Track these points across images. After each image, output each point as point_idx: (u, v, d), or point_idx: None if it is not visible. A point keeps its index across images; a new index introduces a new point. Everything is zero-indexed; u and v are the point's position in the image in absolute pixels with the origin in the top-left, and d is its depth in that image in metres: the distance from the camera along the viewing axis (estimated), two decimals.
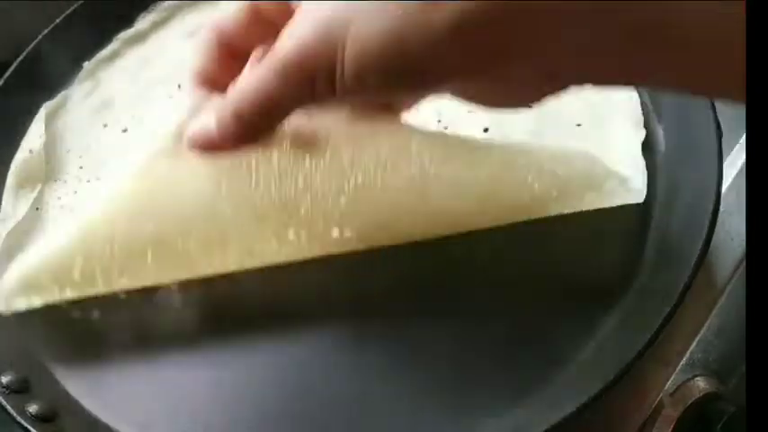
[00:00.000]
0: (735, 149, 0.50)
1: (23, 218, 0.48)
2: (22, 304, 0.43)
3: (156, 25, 0.56)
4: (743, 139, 0.50)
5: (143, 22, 0.55)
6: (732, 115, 0.44)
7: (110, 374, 0.43)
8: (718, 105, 0.44)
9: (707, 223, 0.40)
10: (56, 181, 0.50)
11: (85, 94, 0.53)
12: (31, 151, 0.49)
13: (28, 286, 0.43)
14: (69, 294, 0.43)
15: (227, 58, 0.36)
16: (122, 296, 0.44)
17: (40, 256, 0.43)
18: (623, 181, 0.43)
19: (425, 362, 0.41)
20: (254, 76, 0.32)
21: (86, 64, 0.54)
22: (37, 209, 0.48)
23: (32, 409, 0.40)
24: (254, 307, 0.43)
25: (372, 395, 0.41)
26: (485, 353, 0.41)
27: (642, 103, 0.47)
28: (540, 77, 0.30)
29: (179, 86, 0.52)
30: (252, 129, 0.34)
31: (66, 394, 0.42)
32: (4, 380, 0.41)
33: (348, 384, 0.41)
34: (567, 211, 0.43)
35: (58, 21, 0.54)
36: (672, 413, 0.42)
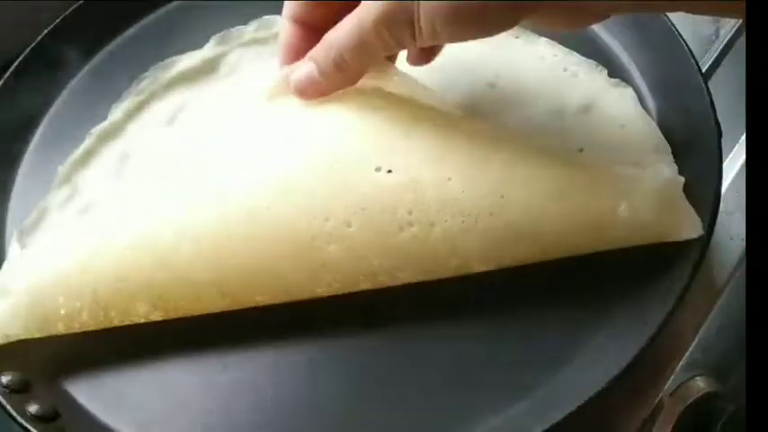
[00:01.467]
0: (734, 149, 0.50)
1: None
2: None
3: (131, 115, 0.50)
4: (742, 139, 0.50)
5: (116, 113, 0.50)
6: (732, 115, 0.44)
7: (110, 374, 0.43)
8: (718, 105, 0.44)
9: (707, 223, 0.40)
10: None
11: (63, 201, 0.47)
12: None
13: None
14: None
15: (305, 34, 0.43)
16: None
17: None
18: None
19: (426, 362, 0.41)
20: (349, 29, 0.39)
21: (60, 168, 0.48)
22: None
23: (33, 408, 0.40)
24: (255, 310, 0.43)
25: (372, 396, 0.41)
26: (485, 353, 0.41)
27: (640, 100, 0.47)
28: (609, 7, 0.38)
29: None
30: (350, 71, 0.41)
31: (67, 394, 0.42)
32: (5, 380, 0.41)
33: (347, 385, 0.41)
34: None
35: (58, 21, 0.54)
36: (672, 412, 0.42)
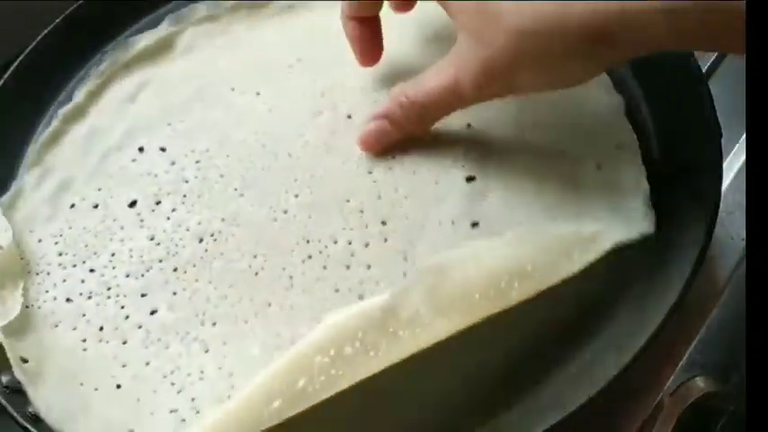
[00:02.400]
0: (735, 149, 0.50)
1: (16, 318, 0.43)
2: None
3: (93, 95, 0.53)
4: (743, 139, 0.50)
5: (79, 95, 0.53)
6: (732, 115, 0.44)
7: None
8: (718, 105, 0.44)
9: (707, 223, 0.40)
10: (37, 274, 0.46)
11: (37, 180, 0.50)
12: (0, 248, 0.46)
13: None
14: None
15: None
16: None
17: None
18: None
19: (427, 362, 0.41)
20: (440, 92, 0.42)
21: (30, 148, 0.51)
22: (27, 307, 0.44)
23: (32, 409, 0.40)
24: None
25: (374, 389, 0.40)
26: (485, 353, 0.41)
27: (639, 101, 0.47)
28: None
29: (140, 149, 0.50)
30: (428, 123, 0.45)
31: None
32: (5, 380, 0.41)
33: None
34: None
35: (58, 21, 0.54)
36: (672, 413, 0.42)
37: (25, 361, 0.42)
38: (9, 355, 0.42)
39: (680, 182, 0.44)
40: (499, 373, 0.40)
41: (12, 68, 0.53)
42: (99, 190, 0.49)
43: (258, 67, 0.53)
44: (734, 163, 0.50)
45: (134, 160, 0.49)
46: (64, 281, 0.45)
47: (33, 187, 0.49)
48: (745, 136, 0.50)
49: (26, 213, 0.48)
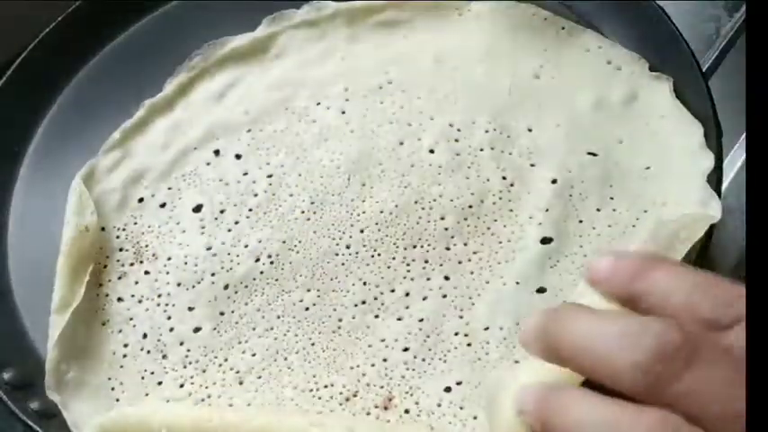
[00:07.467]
0: (734, 149, 0.50)
1: (78, 308, 0.43)
2: None
3: (183, 88, 0.52)
4: (742, 139, 0.50)
5: (168, 88, 0.52)
6: (732, 115, 0.44)
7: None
8: (719, 105, 0.44)
9: None
10: (97, 264, 0.46)
11: (113, 164, 0.49)
12: (87, 229, 0.46)
13: None
14: None
15: None
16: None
17: None
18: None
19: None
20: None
21: (114, 134, 0.50)
22: (94, 297, 0.44)
23: (34, 405, 0.40)
24: None
25: None
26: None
27: None
28: None
29: (216, 152, 0.49)
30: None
31: None
32: (6, 376, 0.41)
33: None
34: None
35: (58, 20, 0.54)
36: None
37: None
38: (48, 368, 0.41)
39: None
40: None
41: (12, 68, 0.53)
42: (169, 189, 0.48)
43: (348, 82, 0.50)
44: (734, 163, 0.50)
45: (208, 164, 0.49)
46: (119, 278, 0.45)
47: (107, 171, 0.49)
48: (745, 136, 0.50)
49: (95, 197, 0.47)
